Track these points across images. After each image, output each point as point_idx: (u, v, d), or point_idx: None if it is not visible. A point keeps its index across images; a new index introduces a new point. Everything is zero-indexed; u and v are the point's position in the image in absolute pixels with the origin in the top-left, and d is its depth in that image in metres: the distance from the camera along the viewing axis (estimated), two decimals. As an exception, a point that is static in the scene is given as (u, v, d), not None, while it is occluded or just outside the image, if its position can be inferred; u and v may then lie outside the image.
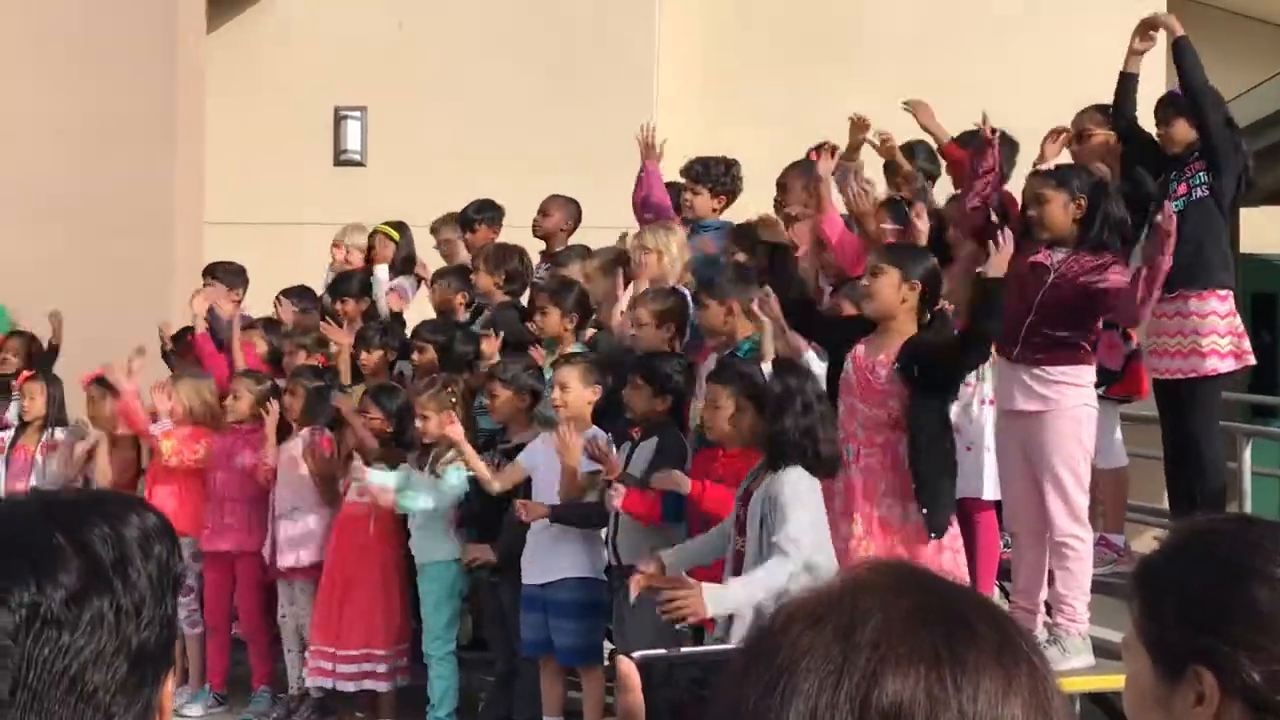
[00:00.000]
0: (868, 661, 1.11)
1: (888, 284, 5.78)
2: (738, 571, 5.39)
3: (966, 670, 1.12)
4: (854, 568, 1.21)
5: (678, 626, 5.45)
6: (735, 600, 5.14)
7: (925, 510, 5.70)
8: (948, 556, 5.81)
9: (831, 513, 5.72)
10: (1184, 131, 6.68)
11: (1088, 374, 6.09)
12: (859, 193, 6.96)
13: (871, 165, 7.45)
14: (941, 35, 12.09)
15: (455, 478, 7.25)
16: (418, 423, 7.37)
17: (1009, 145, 6.80)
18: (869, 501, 5.75)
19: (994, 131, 6.26)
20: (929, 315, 5.90)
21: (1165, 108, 6.81)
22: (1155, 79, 7.85)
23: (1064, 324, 5.98)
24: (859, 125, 7.13)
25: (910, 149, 7.58)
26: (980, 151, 6.29)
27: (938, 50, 11.83)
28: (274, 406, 7.99)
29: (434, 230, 9.33)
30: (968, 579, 5.93)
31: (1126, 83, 6.82)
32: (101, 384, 8.62)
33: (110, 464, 8.52)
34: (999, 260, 5.63)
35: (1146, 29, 6.74)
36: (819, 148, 6.96)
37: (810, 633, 1.14)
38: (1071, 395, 5.99)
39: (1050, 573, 6.15)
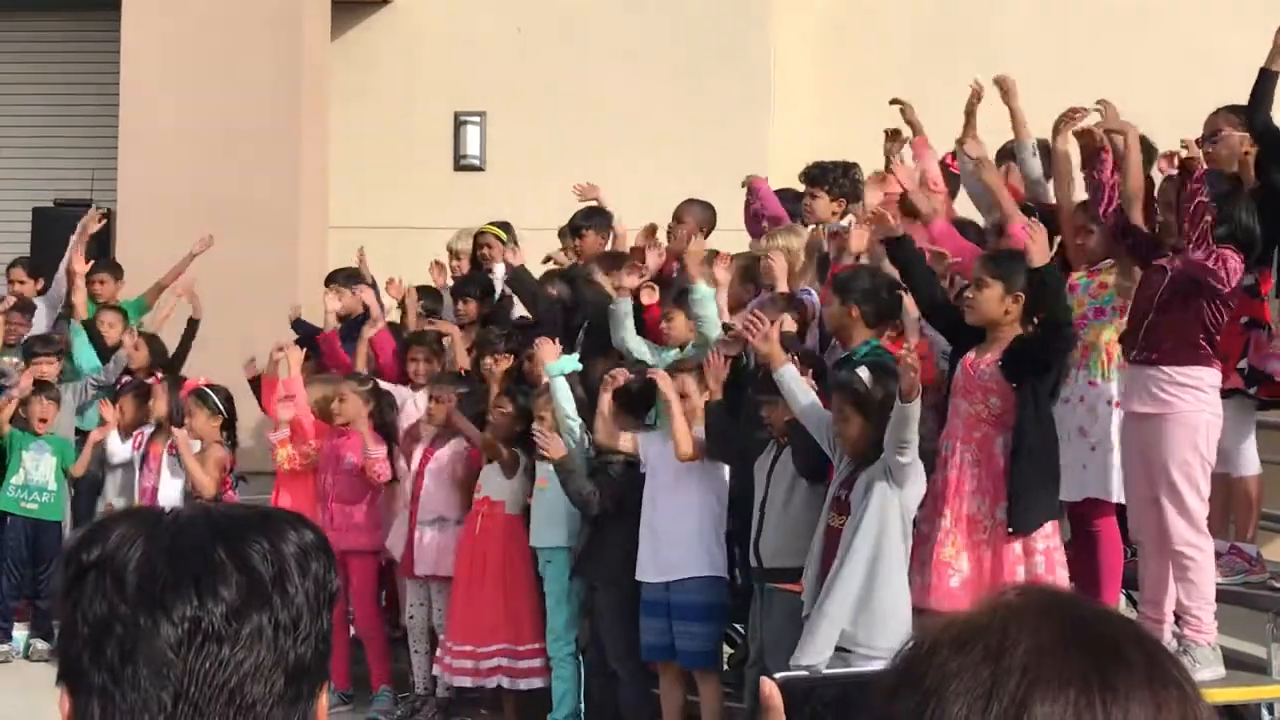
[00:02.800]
0: (1017, 686, 1.11)
1: (992, 297, 5.88)
2: (827, 547, 5.83)
3: (1117, 695, 1.11)
4: (1000, 592, 1.21)
5: None
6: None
7: (1009, 504, 5.72)
8: (1039, 561, 5.75)
9: (923, 511, 5.83)
10: None
11: (1210, 377, 5.97)
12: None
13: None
14: (1064, 31, 11.91)
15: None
16: (535, 427, 7.39)
17: (1146, 150, 6.65)
18: (958, 498, 5.82)
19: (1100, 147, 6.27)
20: (1034, 323, 5.92)
21: None
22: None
23: (1181, 319, 5.91)
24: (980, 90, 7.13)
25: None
26: (1092, 163, 6.30)
27: (1061, 47, 11.66)
28: (367, 408, 8.10)
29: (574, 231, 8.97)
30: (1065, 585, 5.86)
31: (1266, 80, 6.43)
32: (199, 395, 8.80)
33: (207, 469, 8.65)
34: (1036, 248, 5.74)
35: None
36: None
37: (958, 657, 1.14)
38: (1191, 399, 5.90)
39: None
